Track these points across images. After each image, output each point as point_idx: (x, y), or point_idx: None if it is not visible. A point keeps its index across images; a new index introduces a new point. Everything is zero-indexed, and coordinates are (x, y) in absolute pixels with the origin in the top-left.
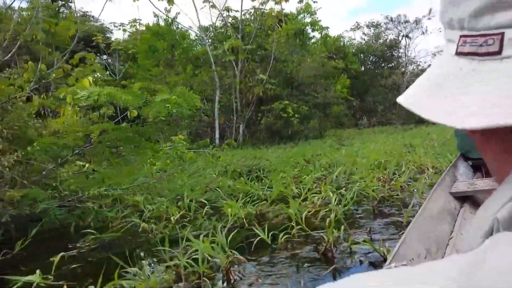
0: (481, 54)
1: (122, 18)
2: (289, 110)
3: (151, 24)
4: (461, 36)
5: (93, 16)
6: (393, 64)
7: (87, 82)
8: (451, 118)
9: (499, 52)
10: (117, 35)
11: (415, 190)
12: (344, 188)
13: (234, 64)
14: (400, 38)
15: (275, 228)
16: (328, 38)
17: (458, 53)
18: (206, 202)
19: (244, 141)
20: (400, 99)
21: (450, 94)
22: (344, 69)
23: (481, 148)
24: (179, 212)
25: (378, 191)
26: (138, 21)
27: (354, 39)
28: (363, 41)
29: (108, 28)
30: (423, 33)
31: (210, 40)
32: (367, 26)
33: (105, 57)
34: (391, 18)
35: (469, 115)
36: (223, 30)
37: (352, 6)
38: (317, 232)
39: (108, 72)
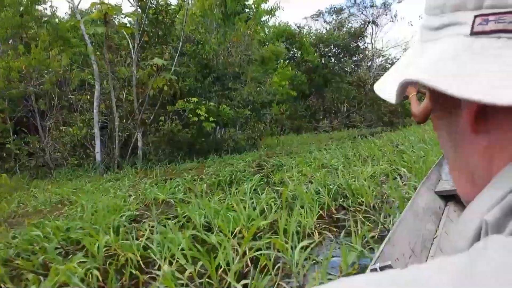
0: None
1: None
2: (201, 111)
3: None
4: (477, 16)
5: None
6: (358, 57)
7: None
8: (490, 95)
9: None
10: None
11: None
12: None
13: (131, 45)
14: (366, 25)
15: None
16: (259, 10)
17: (475, 33)
18: None
19: (145, 157)
20: (417, 76)
21: (477, 71)
22: (301, 62)
23: (465, 145)
24: None
25: None
26: None
27: (317, 29)
28: (324, 30)
29: None
30: (392, 19)
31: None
32: (328, 12)
33: None
34: (355, 1)
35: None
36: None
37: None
38: None
39: None
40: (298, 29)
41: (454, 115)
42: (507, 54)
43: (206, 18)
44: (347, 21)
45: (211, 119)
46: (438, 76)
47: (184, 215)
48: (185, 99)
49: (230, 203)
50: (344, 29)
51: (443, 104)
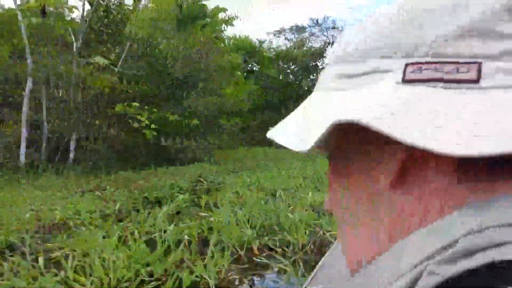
0: (448, 81)
1: None
2: (142, 117)
3: None
4: (408, 64)
5: None
6: (315, 77)
7: None
8: (444, 143)
9: (476, 80)
10: None
11: None
12: None
13: (74, 40)
14: (326, 46)
15: None
16: (216, 18)
17: (407, 81)
18: None
19: (77, 164)
20: (354, 117)
21: (411, 119)
22: (259, 76)
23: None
24: None
25: None
26: None
27: (278, 46)
28: (285, 47)
29: None
30: None
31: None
32: (290, 30)
33: None
34: (317, 21)
35: (465, 140)
36: None
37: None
38: None
39: None
40: (259, 43)
41: (367, 170)
42: (444, 104)
43: (160, 21)
44: (307, 40)
45: (152, 126)
46: (375, 120)
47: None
48: (126, 104)
49: (126, 235)
50: (305, 48)
51: (355, 158)
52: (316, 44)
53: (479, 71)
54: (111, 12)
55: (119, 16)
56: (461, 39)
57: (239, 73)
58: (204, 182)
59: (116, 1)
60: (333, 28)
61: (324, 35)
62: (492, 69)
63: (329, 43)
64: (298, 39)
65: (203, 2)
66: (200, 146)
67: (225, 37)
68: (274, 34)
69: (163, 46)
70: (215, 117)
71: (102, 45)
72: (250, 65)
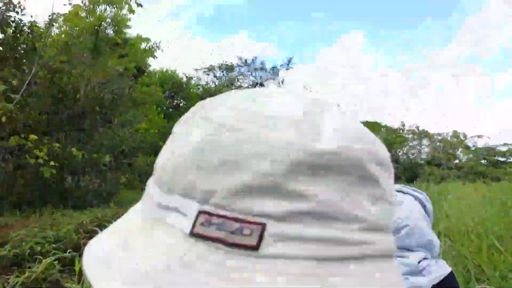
0: (230, 244)
1: None
2: (39, 152)
3: None
4: (201, 212)
5: None
6: None
7: None
8: None
9: (256, 247)
10: None
11: None
12: None
13: None
14: (254, 86)
15: None
16: (136, 48)
17: (195, 234)
18: None
19: None
20: None
21: None
22: (184, 112)
23: None
24: None
25: None
26: None
27: (207, 83)
28: (213, 85)
29: None
30: (279, 84)
31: None
32: (219, 68)
33: None
34: (245, 61)
35: None
36: None
37: None
38: None
39: None
40: (186, 79)
41: None
42: (218, 281)
43: (74, 47)
44: (236, 80)
45: (51, 163)
46: None
47: None
48: (23, 136)
49: None
50: (233, 87)
51: None
52: (245, 84)
53: (261, 235)
54: (21, 34)
55: (30, 37)
56: (252, 194)
57: (158, 108)
58: (99, 232)
59: (27, 22)
60: (261, 69)
61: (253, 76)
62: (275, 233)
63: (257, 83)
64: (227, 78)
65: (125, 30)
66: (107, 186)
67: (151, 70)
68: (204, 71)
69: (74, 74)
70: (126, 154)
71: (6, 69)
72: (176, 101)
